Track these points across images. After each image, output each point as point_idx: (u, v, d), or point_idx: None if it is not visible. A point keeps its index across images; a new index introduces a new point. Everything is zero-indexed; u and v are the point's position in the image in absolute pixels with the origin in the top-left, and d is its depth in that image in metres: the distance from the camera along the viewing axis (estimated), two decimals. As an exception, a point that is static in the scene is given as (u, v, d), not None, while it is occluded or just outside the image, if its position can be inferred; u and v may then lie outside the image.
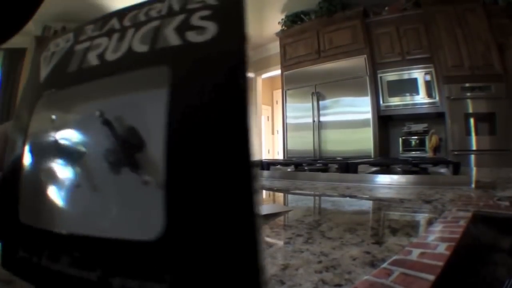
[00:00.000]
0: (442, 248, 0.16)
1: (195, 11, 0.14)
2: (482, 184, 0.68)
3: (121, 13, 0.17)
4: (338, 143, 3.23)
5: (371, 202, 0.55)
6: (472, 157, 2.62)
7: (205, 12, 0.13)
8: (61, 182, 0.15)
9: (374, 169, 1.02)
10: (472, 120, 2.62)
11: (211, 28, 0.13)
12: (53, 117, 0.17)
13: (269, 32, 4.05)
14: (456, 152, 2.65)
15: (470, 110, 2.63)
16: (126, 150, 0.13)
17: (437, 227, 0.22)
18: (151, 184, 0.12)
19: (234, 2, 0.13)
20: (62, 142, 0.16)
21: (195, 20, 0.13)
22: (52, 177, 0.15)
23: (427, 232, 0.21)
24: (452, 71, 2.69)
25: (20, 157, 0.17)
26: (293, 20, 3.68)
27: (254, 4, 3.53)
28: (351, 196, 0.56)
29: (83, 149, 0.15)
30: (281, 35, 3.78)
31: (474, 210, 0.27)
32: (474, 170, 1.24)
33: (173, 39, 0.14)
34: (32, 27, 3.20)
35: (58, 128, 0.16)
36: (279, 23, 3.78)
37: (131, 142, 0.13)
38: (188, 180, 0.11)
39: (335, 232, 0.31)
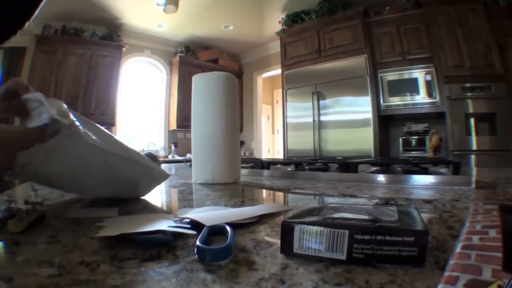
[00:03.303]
0: (493, 233, 0.21)
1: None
2: (483, 184, 0.68)
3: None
4: (338, 142, 3.23)
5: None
6: (472, 157, 2.62)
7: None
8: None
9: (374, 168, 1.02)
10: (472, 120, 2.62)
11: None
12: None
13: (269, 31, 4.05)
14: (456, 152, 2.65)
15: (471, 110, 2.63)
16: None
17: (476, 218, 0.26)
18: None
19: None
20: None
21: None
22: None
23: (472, 222, 0.25)
24: (452, 71, 2.69)
25: None
26: (293, 19, 3.67)
27: (254, 3, 3.52)
28: (351, 196, 0.56)
29: None
30: (282, 34, 3.77)
31: (498, 203, 0.31)
32: (474, 170, 1.24)
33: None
34: (32, 26, 3.19)
35: None
36: (279, 22, 3.78)
37: None
38: None
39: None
